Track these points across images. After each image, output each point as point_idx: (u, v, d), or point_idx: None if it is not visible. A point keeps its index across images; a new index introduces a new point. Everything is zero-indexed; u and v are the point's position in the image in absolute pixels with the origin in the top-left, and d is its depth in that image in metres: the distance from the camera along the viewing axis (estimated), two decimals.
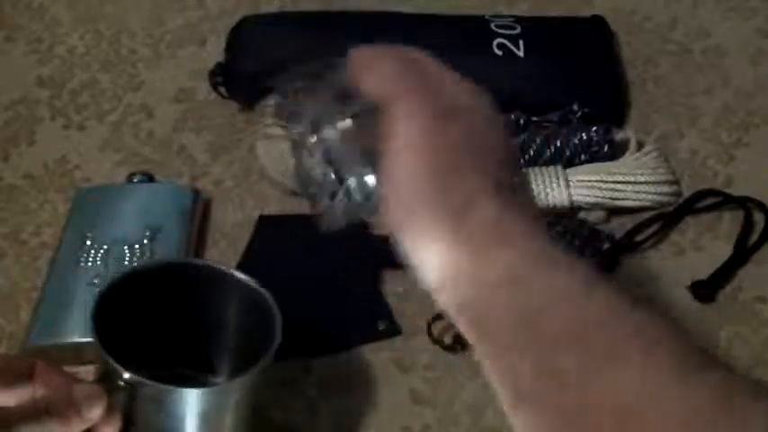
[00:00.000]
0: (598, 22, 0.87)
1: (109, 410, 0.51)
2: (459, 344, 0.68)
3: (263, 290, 0.59)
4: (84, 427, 0.50)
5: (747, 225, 0.74)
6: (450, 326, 0.69)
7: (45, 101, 0.87)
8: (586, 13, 0.89)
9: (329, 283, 0.72)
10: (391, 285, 0.72)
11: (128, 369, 0.52)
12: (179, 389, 0.53)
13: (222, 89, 0.84)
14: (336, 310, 0.71)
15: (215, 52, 0.87)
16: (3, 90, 0.88)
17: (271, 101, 0.78)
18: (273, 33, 0.84)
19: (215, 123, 0.84)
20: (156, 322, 0.60)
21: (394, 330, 0.70)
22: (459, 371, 0.67)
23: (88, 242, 0.72)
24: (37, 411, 0.49)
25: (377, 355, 0.68)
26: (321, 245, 0.75)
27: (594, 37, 0.85)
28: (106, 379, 0.52)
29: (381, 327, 0.70)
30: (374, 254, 0.74)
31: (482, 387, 0.66)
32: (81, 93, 0.87)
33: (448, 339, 0.68)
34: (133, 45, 0.91)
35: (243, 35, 0.84)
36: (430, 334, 0.68)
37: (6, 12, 0.95)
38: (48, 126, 0.85)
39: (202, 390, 0.56)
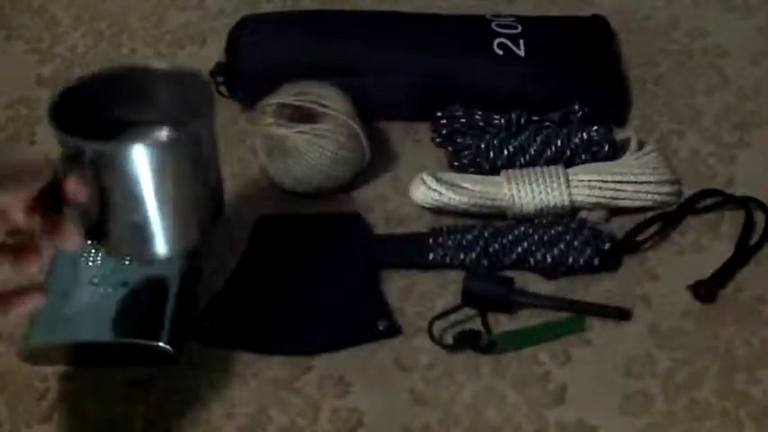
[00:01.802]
0: (599, 22, 0.87)
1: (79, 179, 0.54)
2: (459, 344, 0.68)
3: (190, 70, 0.61)
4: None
5: (748, 225, 0.74)
6: (451, 326, 0.69)
7: (45, 100, 0.86)
8: (587, 12, 0.88)
9: (329, 283, 0.72)
10: (391, 285, 0.72)
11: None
12: (131, 144, 0.55)
13: (223, 89, 0.84)
14: (336, 310, 0.71)
15: (215, 52, 0.87)
16: (3, 90, 0.88)
17: (271, 100, 0.78)
18: (273, 33, 0.84)
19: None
20: (111, 126, 0.61)
21: (394, 330, 0.70)
22: (459, 371, 0.67)
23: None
24: None
25: (377, 355, 0.68)
26: (321, 245, 0.75)
27: (595, 37, 0.85)
28: (67, 161, 0.55)
29: (381, 327, 0.69)
30: (374, 254, 0.75)
31: (482, 387, 0.66)
32: None
33: (448, 339, 0.68)
34: (133, 45, 0.91)
35: (243, 35, 0.84)
36: (430, 334, 0.68)
37: (6, 12, 0.95)
38: (48, 125, 0.84)
39: (153, 143, 0.57)
